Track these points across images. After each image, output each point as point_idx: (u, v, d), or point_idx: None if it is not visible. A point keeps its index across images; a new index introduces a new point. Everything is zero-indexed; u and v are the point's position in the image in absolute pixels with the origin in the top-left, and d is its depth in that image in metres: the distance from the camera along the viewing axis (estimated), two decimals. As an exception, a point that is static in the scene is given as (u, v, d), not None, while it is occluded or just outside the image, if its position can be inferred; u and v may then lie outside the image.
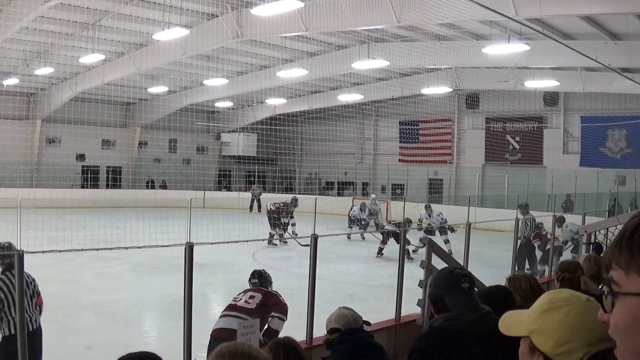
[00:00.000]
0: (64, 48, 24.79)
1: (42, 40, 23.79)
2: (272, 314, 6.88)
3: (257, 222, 22.66)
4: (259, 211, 31.76)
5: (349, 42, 24.68)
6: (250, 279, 7.43)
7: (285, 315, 6.94)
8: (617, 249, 1.24)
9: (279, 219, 21.49)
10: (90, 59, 23.54)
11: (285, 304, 7.01)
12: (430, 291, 3.40)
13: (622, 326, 1.22)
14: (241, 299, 6.91)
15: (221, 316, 6.83)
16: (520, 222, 16.12)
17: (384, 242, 19.13)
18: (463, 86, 29.77)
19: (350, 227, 25.01)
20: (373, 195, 28.10)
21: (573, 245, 15.44)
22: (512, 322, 2.01)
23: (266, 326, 6.83)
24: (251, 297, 6.90)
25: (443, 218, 20.53)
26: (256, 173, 40.63)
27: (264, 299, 6.88)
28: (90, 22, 21.81)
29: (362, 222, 24.93)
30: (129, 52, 25.65)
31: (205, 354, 6.82)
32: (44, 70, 26.76)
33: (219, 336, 6.41)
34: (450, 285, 3.25)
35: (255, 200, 34.15)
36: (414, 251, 18.15)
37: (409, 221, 19.19)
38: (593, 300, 1.90)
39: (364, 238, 22.80)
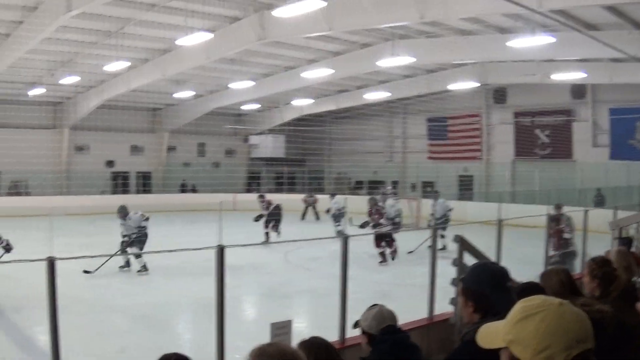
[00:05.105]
0: (88, 56, 24.98)
1: (66, 50, 24.00)
2: None
3: (287, 224, 22.62)
4: (318, 219, 29.78)
5: (373, 39, 24.57)
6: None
7: None
8: None
9: (379, 222, 20.23)
10: (115, 66, 23.69)
11: None
12: (472, 287, 3.12)
13: None
14: None
15: None
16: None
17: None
18: (490, 81, 29.56)
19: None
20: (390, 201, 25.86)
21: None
22: (489, 334, 2.04)
23: None
24: None
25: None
26: (285, 174, 40.65)
27: None
28: (113, 30, 21.92)
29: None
30: (153, 58, 25.82)
31: (239, 356, 6.81)
32: (70, 80, 26.95)
33: None
34: (496, 284, 3.04)
35: (311, 208, 31.55)
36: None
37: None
38: (566, 304, 1.91)
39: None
